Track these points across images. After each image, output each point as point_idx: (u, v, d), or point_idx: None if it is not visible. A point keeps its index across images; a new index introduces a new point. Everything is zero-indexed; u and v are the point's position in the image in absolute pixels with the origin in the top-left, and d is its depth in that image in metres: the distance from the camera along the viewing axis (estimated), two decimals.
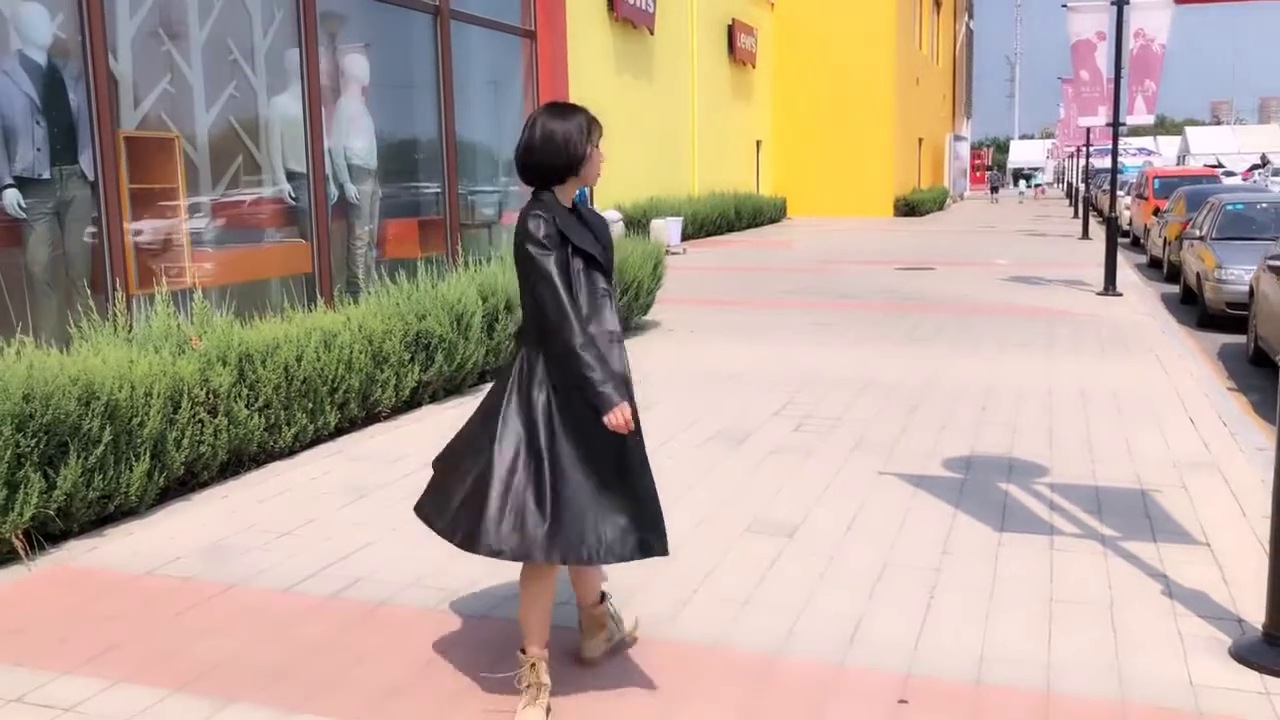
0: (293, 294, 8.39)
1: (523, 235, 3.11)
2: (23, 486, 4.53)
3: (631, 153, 22.63)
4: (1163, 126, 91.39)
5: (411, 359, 7.26)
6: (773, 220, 32.45)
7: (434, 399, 7.67)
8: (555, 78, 12.33)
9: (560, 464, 3.10)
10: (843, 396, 7.73)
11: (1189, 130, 70.11)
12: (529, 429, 3.13)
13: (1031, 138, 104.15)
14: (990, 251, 20.84)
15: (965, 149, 62.20)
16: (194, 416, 5.47)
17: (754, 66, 33.86)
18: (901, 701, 3.33)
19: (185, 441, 5.37)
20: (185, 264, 7.67)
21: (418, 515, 3.36)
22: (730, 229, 27.96)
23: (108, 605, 4.14)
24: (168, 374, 5.37)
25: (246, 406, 5.85)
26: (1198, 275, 12.41)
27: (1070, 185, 45.98)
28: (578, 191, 3.36)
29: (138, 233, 7.21)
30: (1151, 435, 6.51)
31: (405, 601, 4.14)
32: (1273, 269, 7.96)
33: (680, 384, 8.24)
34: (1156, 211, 19.62)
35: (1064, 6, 16.45)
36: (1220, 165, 43.76)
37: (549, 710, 3.26)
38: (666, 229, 20.98)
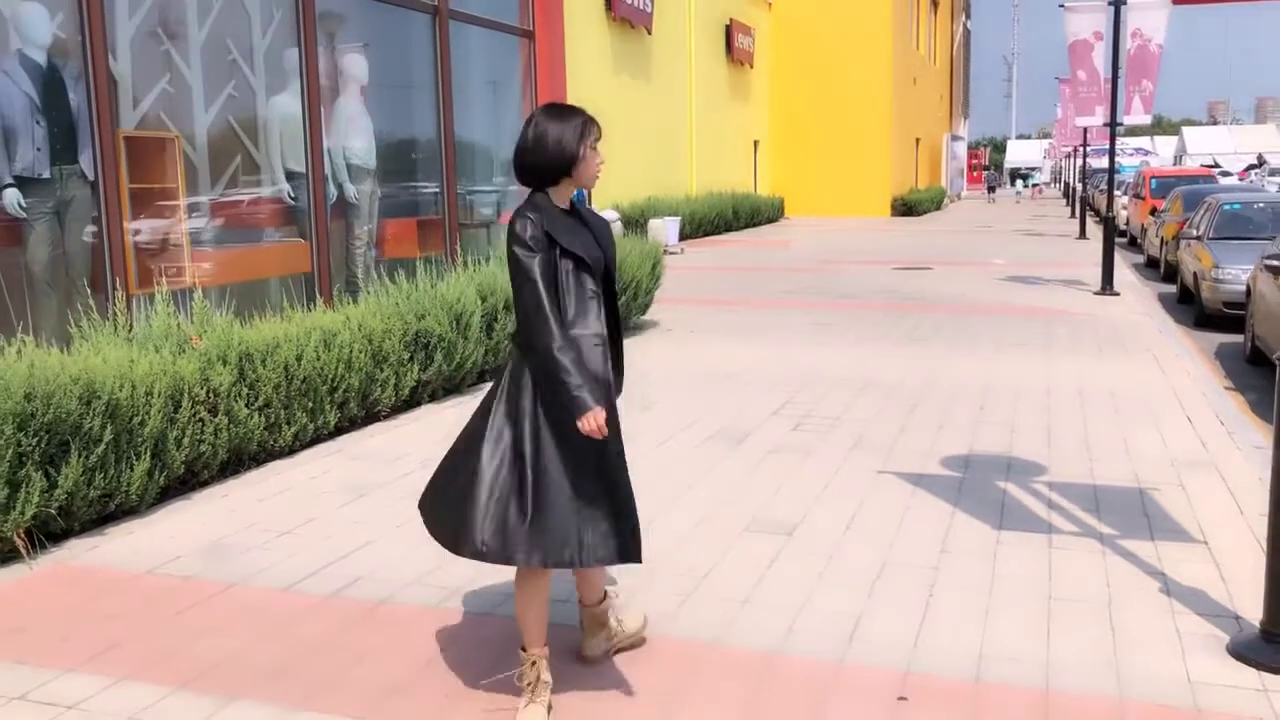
0: (292, 293, 8.40)
1: (509, 237, 3.14)
2: (24, 485, 4.54)
3: (629, 152, 22.64)
4: (1160, 126, 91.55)
5: (411, 358, 7.27)
6: (770, 220, 32.47)
7: (433, 398, 7.68)
8: (554, 78, 12.35)
9: (543, 467, 3.10)
10: (841, 396, 7.75)
11: (1186, 130, 70.21)
12: (515, 431, 3.14)
13: (1029, 138, 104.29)
14: (988, 251, 20.87)
15: (962, 149, 62.25)
16: (194, 416, 5.48)
17: (751, 66, 33.89)
18: (901, 699, 3.35)
19: (186, 440, 5.38)
20: (185, 263, 7.68)
21: (419, 511, 3.38)
22: (728, 229, 27.98)
23: (109, 604, 4.15)
24: (168, 373, 5.38)
25: (246, 406, 5.86)
26: (1195, 275, 12.44)
27: (1067, 185, 46.04)
28: (576, 192, 3.37)
29: (137, 232, 7.22)
30: (1149, 434, 6.53)
31: (406, 600, 4.15)
32: (1270, 268, 7.98)
33: (679, 384, 8.26)
34: (1153, 211, 19.66)
35: (1061, 6, 16.46)
36: (1217, 165, 43.82)
37: (550, 708, 3.27)
38: (664, 229, 20.99)
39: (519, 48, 12.21)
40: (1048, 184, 73.01)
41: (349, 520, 5.12)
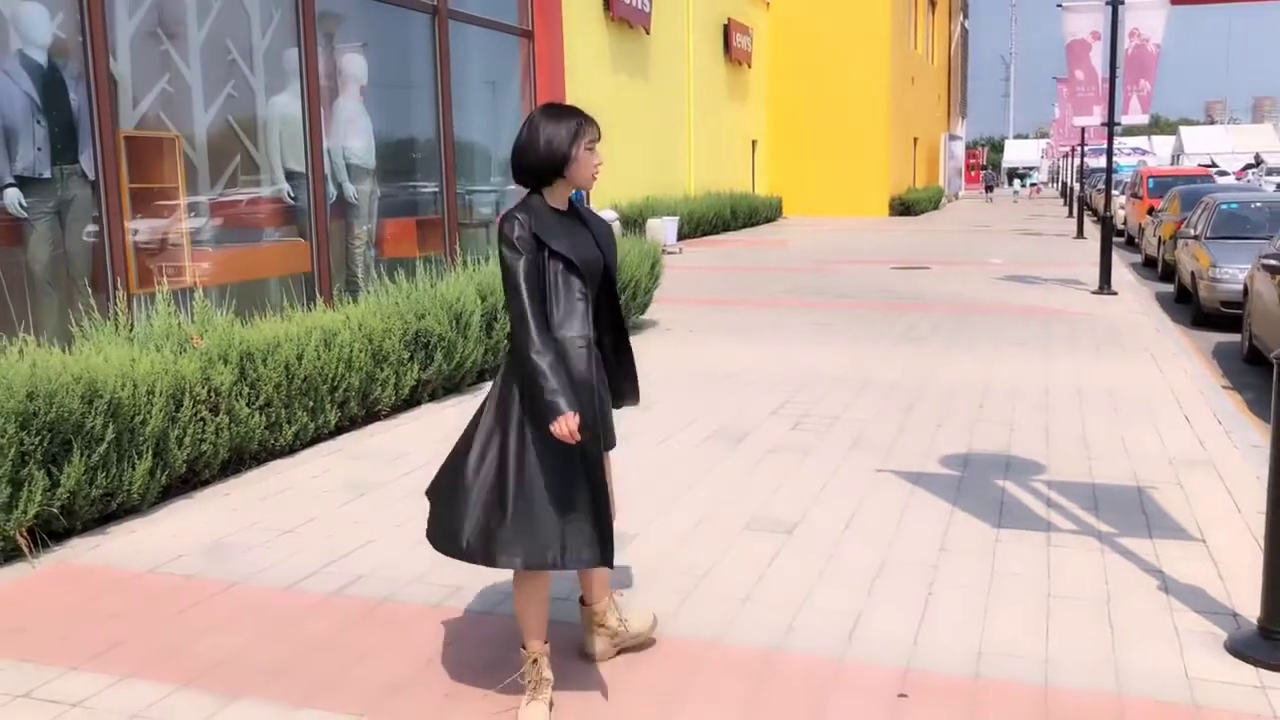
0: (292, 293, 8.41)
1: (498, 237, 3.16)
2: (26, 484, 4.55)
3: (627, 152, 22.66)
4: (1157, 126, 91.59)
5: (411, 358, 7.28)
6: (768, 220, 32.49)
7: (433, 398, 7.70)
8: (552, 77, 12.36)
9: (528, 469, 3.11)
10: (840, 395, 7.77)
11: (1183, 130, 70.26)
12: (503, 433, 3.15)
13: (1026, 137, 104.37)
14: (986, 251, 20.90)
15: (960, 149, 62.29)
16: (196, 415, 5.49)
17: (749, 66, 33.90)
18: (901, 696, 3.36)
19: (187, 440, 5.39)
20: (185, 263, 7.69)
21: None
22: (726, 229, 28.00)
23: (111, 602, 4.17)
24: (170, 372, 5.39)
25: (247, 405, 5.87)
26: (1192, 274, 12.46)
27: (1065, 185, 46.09)
28: (575, 193, 3.37)
29: (138, 232, 7.23)
30: (1147, 433, 6.55)
31: (407, 599, 4.17)
32: (1267, 268, 8.00)
33: (678, 383, 8.27)
34: (1151, 211, 19.70)
35: (1059, 6, 16.49)
36: (1214, 165, 43.87)
37: (552, 705, 3.29)
38: (663, 228, 21.01)
39: (518, 47, 12.22)
40: (1045, 184, 73.07)
41: (350, 519, 5.13)
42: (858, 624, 3.88)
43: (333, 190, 9.20)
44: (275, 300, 8.20)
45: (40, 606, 4.14)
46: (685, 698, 3.37)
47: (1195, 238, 13.10)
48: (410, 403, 7.43)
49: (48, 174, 6.63)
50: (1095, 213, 31.88)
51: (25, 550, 4.59)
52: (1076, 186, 31.57)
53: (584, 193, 10.78)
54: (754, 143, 35.39)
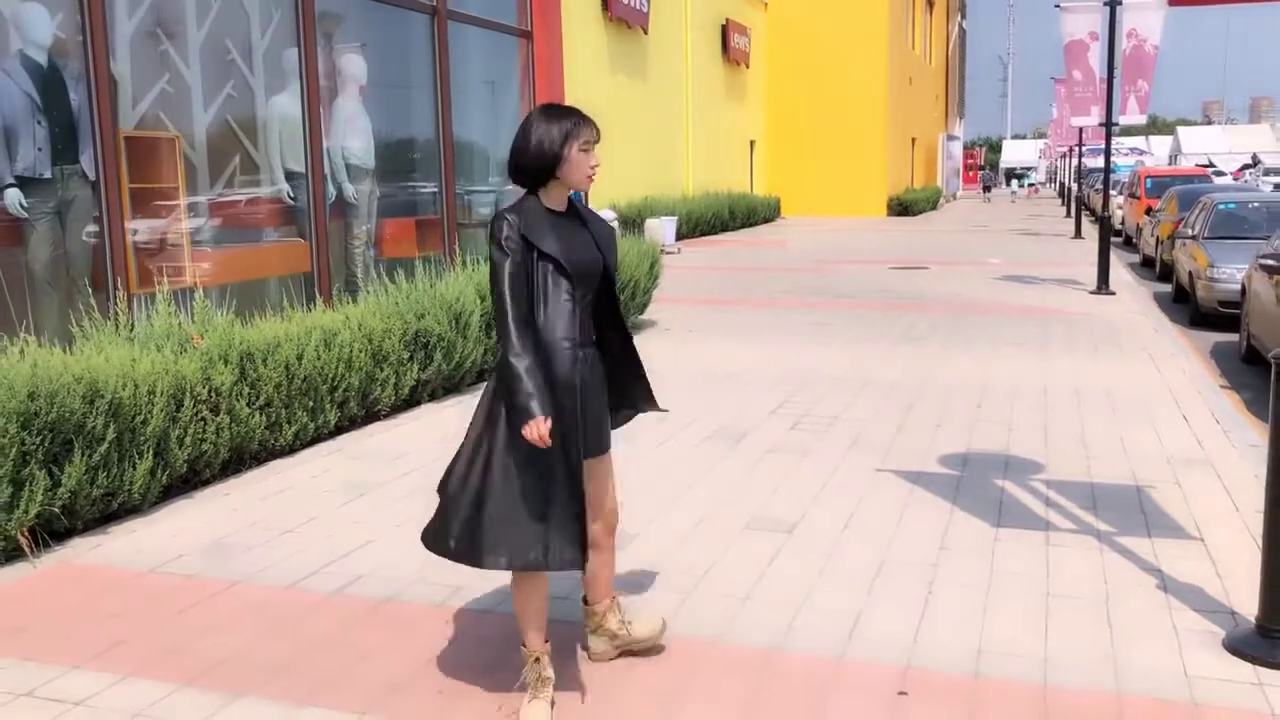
0: (291, 293, 8.42)
1: (488, 237, 3.17)
2: (28, 484, 4.56)
3: (626, 152, 22.67)
4: (1154, 126, 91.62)
5: (410, 358, 7.29)
6: (767, 220, 32.51)
7: (433, 398, 7.71)
8: (551, 78, 12.37)
9: (510, 470, 3.12)
10: (839, 395, 7.78)
11: (1181, 130, 70.27)
12: (490, 434, 3.16)
13: (1024, 137, 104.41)
14: (984, 251, 20.92)
15: (958, 149, 62.34)
16: (196, 415, 5.50)
17: (747, 66, 33.92)
18: (901, 694, 3.38)
19: (188, 439, 5.40)
20: (185, 263, 7.70)
21: None
22: (724, 229, 28.01)
23: (112, 602, 4.17)
24: (170, 372, 5.40)
25: (248, 405, 5.88)
26: (1190, 274, 12.49)
27: (1063, 185, 46.14)
28: (574, 193, 3.36)
29: (138, 232, 7.24)
30: (1145, 432, 6.57)
31: (408, 598, 4.18)
32: (1264, 268, 8.01)
33: (678, 383, 8.29)
34: (1149, 211, 19.73)
35: (1057, 7, 16.52)
36: (1211, 165, 43.91)
37: (553, 704, 3.30)
38: (661, 228, 21.03)
39: (517, 48, 12.23)
40: (1043, 184, 73.12)
41: (350, 519, 5.15)
42: (858, 623, 3.89)
43: (332, 190, 9.21)
44: (275, 300, 8.21)
45: (42, 606, 4.14)
46: (686, 696, 3.39)
47: (1193, 238, 13.12)
48: (410, 403, 7.44)
49: (48, 174, 6.64)
50: (1093, 213, 31.92)
51: (27, 550, 4.60)
52: (1074, 187, 31.59)
53: (583, 194, 10.82)
54: (752, 143, 35.41)
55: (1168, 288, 15.15)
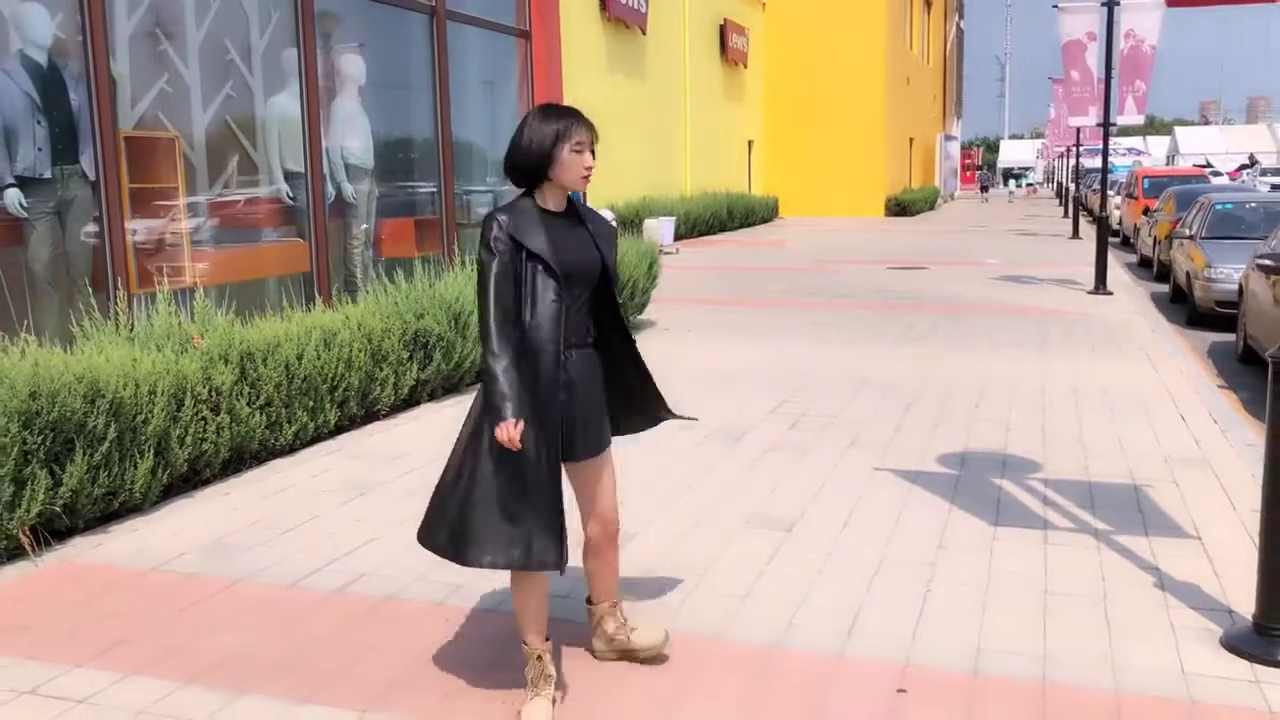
0: (290, 293, 8.42)
1: (478, 238, 3.18)
2: (29, 483, 4.57)
3: (624, 152, 22.68)
4: (1152, 126, 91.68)
5: (410, 357, 7.31)
6: (765, 220, 32.54)
7: (432, 397, 7.72)
8: (550, 78, 12.38)
9: (494, 471, 3.14)
10: (838, 395, 7.80)
11: (1178, 130, 70.33)
12: (478, 434, 3.18)
13: (1021, 138, 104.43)
14: (982, 251, 20.95)
15: (956, 149, 62.39)
16: (197, 414, 5.52)
17: (745, 66, 33.94)
18: (900, 691, 3.40)
19: (188, 439, 5.41)
20: (185, 263, 7.71)
21: None
22: (723, 229, 28.03)
23: (114, 601, 4.19)
24: (171, 372, 5.42)
25: (248, 404, 5.90)
26: (1187, 274, 12.51)
27: (1060, 185, 46.19)
28: (574, 193, 3.36)
29: (138, 232, 7.25)
30: (1143, 432, 6.59)
31: (410, 596, 4.19)
32: (1262, 268, 8.03)
33: (676, 383, 8.30)
34: (1146, 211, 19.75)
35: (1055, 7, 16.55)
36: (1209, 165, 43.94)
37: (555, 701, 3.31)
38: (659, 229, 21.04)
39: (515, 48, 12.24)
40: (1041, 184, 73.16)
41: (351, 518, 5.16)
42: (857, 621, 3.91)
43: (331, 190, 9.22)
44: (274, 300, 8.22)
45: (44, 604, 4.16)
46: (687, 694, 3.40)
47: (1190, 238, 13.15)
48: (409, 402, 7.45)
49: (48, 174, 6.65)
50: (1090, 213, 31.94)
51: (28, 549, 4.61)
52: (1072, 187, 31.63)
53: (581, 194, 10.81)
54: (750, 143, 35.43)
55: (1165, 288, 15.18)
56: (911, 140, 43.94)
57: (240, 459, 5.94)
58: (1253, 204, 14.04)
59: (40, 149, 6.59)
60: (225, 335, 6.03)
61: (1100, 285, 13.79)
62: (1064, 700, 3.32)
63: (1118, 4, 14.32)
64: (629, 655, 3.60)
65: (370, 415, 7.06)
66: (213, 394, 5.67)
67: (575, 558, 4.17)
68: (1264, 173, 40.31)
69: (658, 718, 3.27)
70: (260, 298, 8.31)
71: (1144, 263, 18.90)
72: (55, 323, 6.69)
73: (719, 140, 31.53)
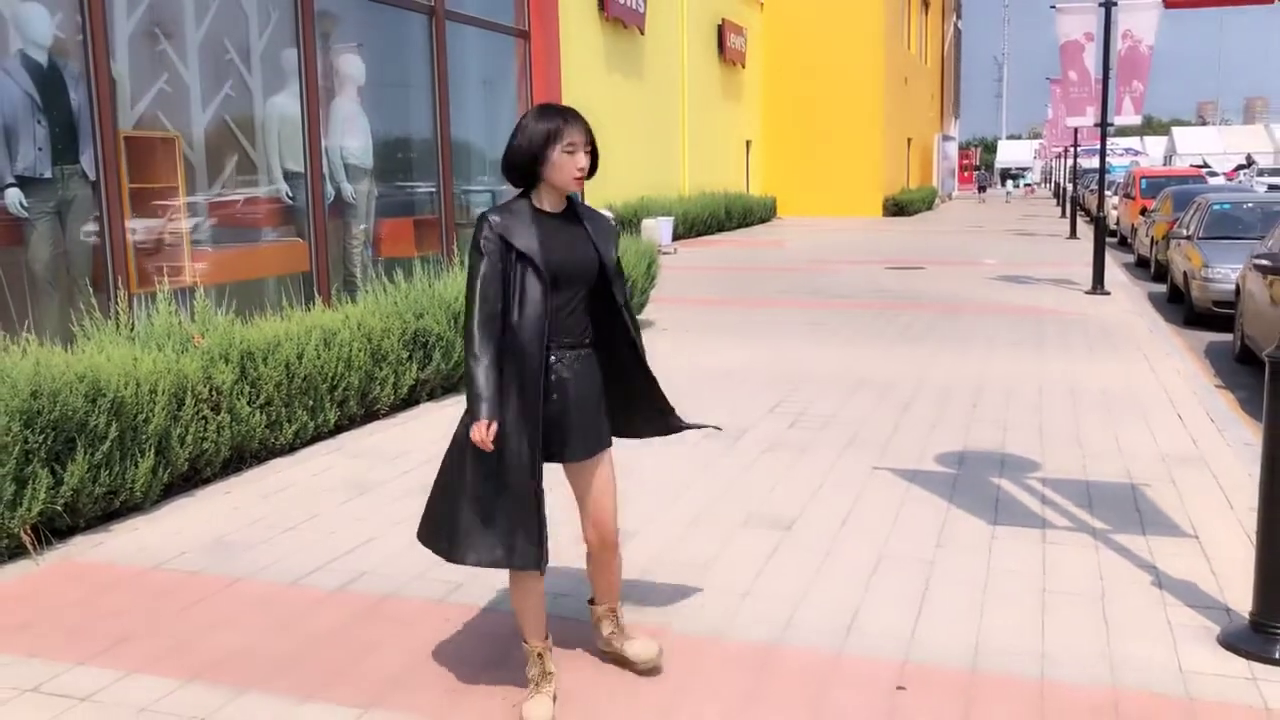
0: (290, 293, 8.43)
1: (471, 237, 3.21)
2: (31, 482, 4.58)
3: (622, 152, 22.70)
4: (1149, 127, 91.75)
5: (410, 357, 7.32)
6: (763, 220, 32.56)
7: (432, 397, 7.73)
8: (549, 78, 12.40)
9: (478, 470, 3.16)
10: (836, 394, 7.82)
11: (1175, 130, 70.40)
12: (465, 435, 3.19)
13: (1019, 138, 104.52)
14: (979, 251, 20.98)
15: (953, 149, 62.47)
16: (198, 413, 5.53)
17: (743, 66, 33.97)
18: (899, 688, 3.41)
19: (189, 438, 5.42)
20: (185, 263, 7.72)
21: None
22: (721, 229, 28.05)
23: (116, 599, 4.20)
24: (172, 371, 5.43)
25: (248, 404, 5.91)
26: (1185, 274, 12.54)
27: (1058, 185, 46.23)
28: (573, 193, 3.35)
29: (138, 232, 7.26)
30: (1140, 431, 6.61)
31: (410, 595, 4.21)
32: (1259, 268, 8.07)
33: (675, 382, 8.31)
34: (1144, 211, 19.79)
35: (1053, 8, 16.57)
36: (1206, 165, 44.01)
37: (555, 699, 3.33)
38: (658, 228, 21.06)
39: (514, 48, 12.26)
40: (1038, 184, 73.23)
41: (351, 516, 5.17)
42: (856, 618, 3.92)
43: (330, 190, 9.22)
44: (274, 300, 8.23)
45: (46, 603, 4.17)
46: (687, 690, 3.42)
47: (1188, 238, 13.18)
48: (409, 402, 7.47)
49: (48, 174, 6.65)
50: (1088, 213, 31.99)
51: (30, 547, 4.62)
52: (1069, 187, 31.66)
53: (579, 194, 10.80)
54: (748, 143, 35.46)
55: (1162, 288, 15.20)
56: (909, 140, 43.98)
57: (241, 458, 5.96)
58: (1250, 204, 14.07)
59: (40, 148, 6.60)
60: (225, 335, 6.04)
61: (1098, 285, 13.82)
62: (1062, 697, 3.34)
63: (1115, 5, 14.34)
64: (620, 663, 3.59)
65: (370, 415, 7.07)
66: (213, 393, 5.68)
67: (576, 557, 4.19)
68: (1261, 173, 40.37)
69: (658, 715, 3.28)
70: (260, 297, 8.32)
71: (1141, 263, 18.93)
72: (56, 322, 6.70)
73: (717, 140, 31.55)
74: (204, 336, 5.97)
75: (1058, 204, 42.13)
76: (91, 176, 6.85)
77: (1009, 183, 66.81)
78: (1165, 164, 59.51)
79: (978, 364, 8.91)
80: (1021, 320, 11.40)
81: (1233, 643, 3.65)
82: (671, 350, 9.78)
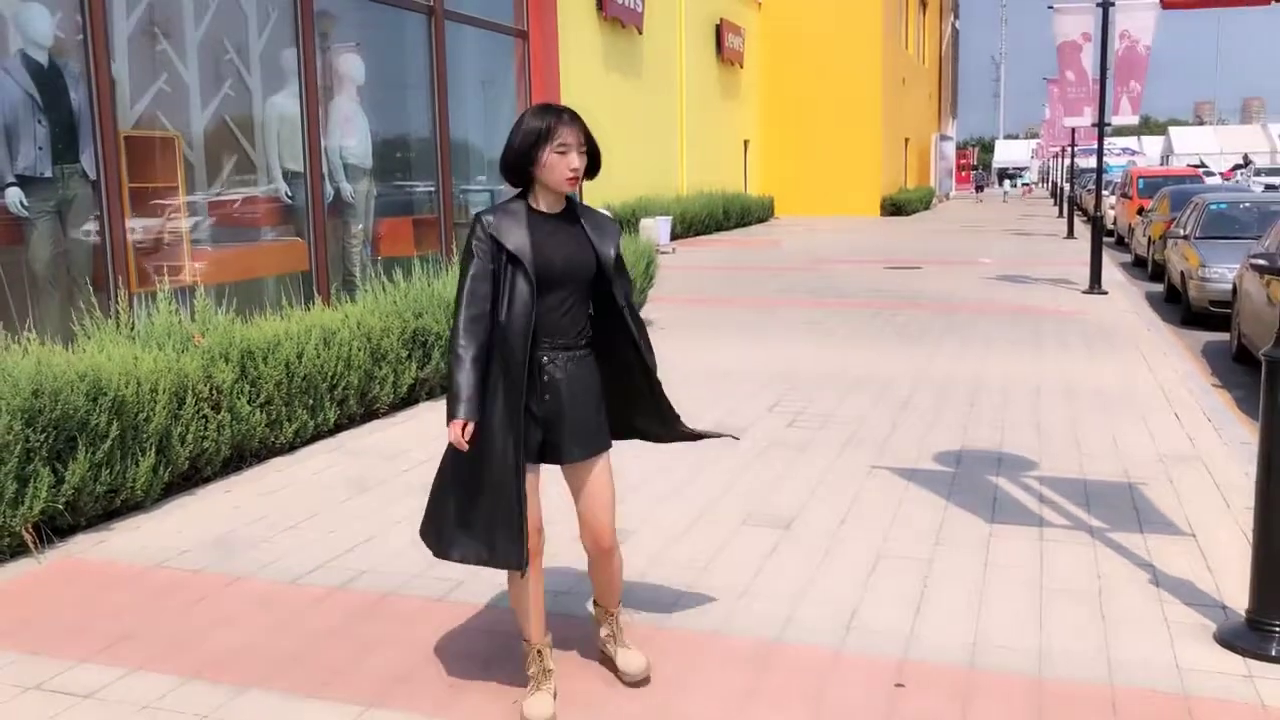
0: (289, 292, 8.45)
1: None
2: (32, 480, 4.60)
3: (620, 152, 22.70)
4: (1147, 127, 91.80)
5: (409, 356, 7.34)
6: (761, 220, 32.58)
7: (431, 396, 7.75)
8: (547, 77, 12.41)
9: (463, 470, 3.19)
10: (834, 393, 7.84)
11: (1172, 130, 70.52)
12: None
13: (1016, 138, 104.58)
14: (977, 250, 21.00)
15: (951, 149, 62.51)
16: (198, 412, 5.54)
17: (742, 66, 33.99)
18: (898, 685, 3.43)
19: (190, 437, 5.44)
20: (185, 262, 7.73)
21: None
22: (719, 228, 28.07)
23: (118, 597, 4.21)
24: (172, 370, 5.44)
25: (249, 403, 5.92)
26: (1182, 274, 12.57)
27: (1055, 185, 46.28)
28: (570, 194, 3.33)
29: (138, 231, 7.27)
30: (1138, 430, 6.63)
31: (411, 592, 4.23)
32: (1256, 268, 8.08)
33: (674, 382, 8.33)
34: (1141, 211, 19.82)
35: (1050, 8, 16.60)
36: (1203, 165, 44.07)
37: (556, 695, 3.34)
38: (656, 228, 21.07)
39: (513, 47, 12.27)
40: (1036, 184, 73.29)
41: (352, 515, 5.19)
42: (855, 616, 3.94)
43: (330, 190, 9.24)
44: (274, 299, 8.24)
45: (48, 601, 4.18)
46: (687, 687, 3.44)
47: (1185, 238, 13.21)
48: (408, 401, 7.48)
49: (49, 173, 6.66)
50: (1085, 213, 32.02)
51: (31, 546, 4.64)
52: (1067, 187, 31.70)
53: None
54: (746, 143, 35.48)
55: (1159, 287, 15.24)
56: (907, 140, 44.01)
57: (241, 457, 5.97)
58: (1247, 204, 14.10)
59: (41, 148, 6.61)
60: (225, 334, 6.05)
61: (1095, 285, 13.85)
62: (1060, 695, 3.36)
63: (1113, 5, 14.37)
64: (611, 668, 3.55)
65: (370, 414, 7.08)
66: (214, 392, 5.70)
67: (576, 555, 4.21)
68: (1258, 173, 40.45)
69: (658, 712, 3.30)
70: (260, 297, 8.34)
71: (1139, 262, 18.96)
72: (56, 321, 6.71)
73: (715, 140, 31.57)
74: (204, 336, 5.99)
75: (1055, 204, 42.18)
76: (91, 176, 6.87)
77: (1006, 183, 66.80)
78: (1162, 164, 59.61)
79: (975, 363, 8.93)
80: (1019, 320, 11.42)
81: (1229, 640, 3.67)
82: (670, 349, 9.80)
